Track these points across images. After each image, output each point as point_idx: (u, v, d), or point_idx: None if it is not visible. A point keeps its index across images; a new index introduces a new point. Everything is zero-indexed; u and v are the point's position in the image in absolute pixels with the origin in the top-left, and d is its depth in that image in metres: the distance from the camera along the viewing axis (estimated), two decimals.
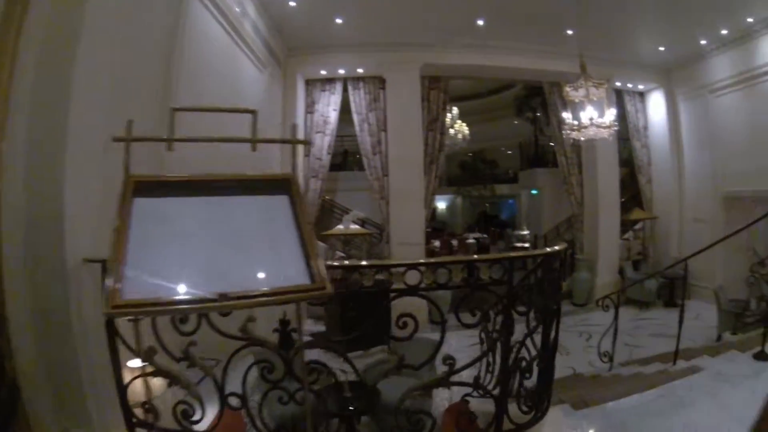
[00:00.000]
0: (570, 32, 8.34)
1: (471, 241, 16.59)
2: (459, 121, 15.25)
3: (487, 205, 27.23)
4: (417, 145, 9.12)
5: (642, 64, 10.42)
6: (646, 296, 9.57)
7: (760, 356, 3.92)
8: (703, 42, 9.31)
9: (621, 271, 10.45)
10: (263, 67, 7.52)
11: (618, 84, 10.65)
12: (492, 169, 24.02)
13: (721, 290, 7.40)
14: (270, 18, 7.51)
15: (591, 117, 6.80)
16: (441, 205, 27.03)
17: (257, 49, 7.15)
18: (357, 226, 8.69)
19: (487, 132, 21.85)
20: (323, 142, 9.35)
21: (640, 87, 11.19)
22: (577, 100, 7.02)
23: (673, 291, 9.78)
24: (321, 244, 9.80)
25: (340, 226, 8.53)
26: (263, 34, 7.41)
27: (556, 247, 2.75)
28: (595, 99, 6.89)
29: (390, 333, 7.45)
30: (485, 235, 21.39)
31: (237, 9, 6.24)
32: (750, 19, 8.21)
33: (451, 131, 14.88)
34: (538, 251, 2.60)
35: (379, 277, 2.63)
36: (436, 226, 23.29)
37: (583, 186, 10.68)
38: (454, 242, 18.84)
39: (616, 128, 7.14)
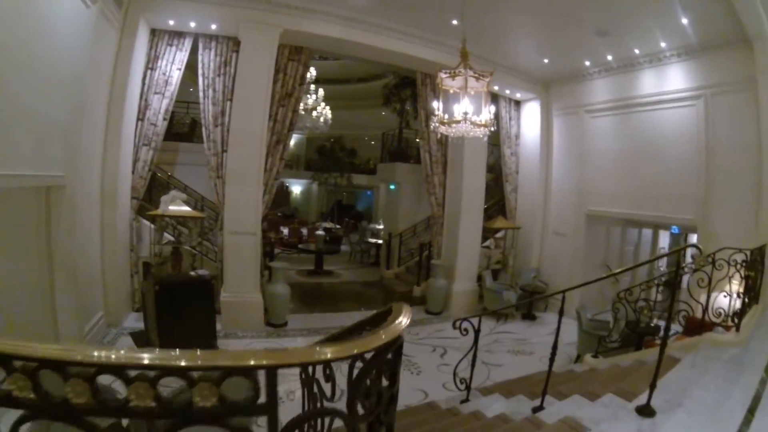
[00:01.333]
0: (455, 23, 7.52)
1: (320, 232, 15.52)
2: (323, 104, 14.32)
3: (344, 194, 26.46)
4: (262, 120, 7.76)
5: (523, 72, 10.14)
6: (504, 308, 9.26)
7: (644, 412, 3.34)
8: (587, 63, 9.28)
9: (479, 279, 10.04)
10: (91, 1, 5.62)
11: (496, 88, 10.22)
12: (351, 157, 23.21)
13: (582, 310, 7.15)
14: None
15: (466, 111, 5.82)
16: (296, 189, 25.78)
17: None
18: (186, 208, 7.07)
19: (351, 119, 21.10)
20: (161, 105, 7.70)
21: (518, 95, 10.94)
22: (452, 91, 6.07)
23: (531, 303, 9.57)
24: (147, 223, 8.05)
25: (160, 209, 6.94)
26: None
27: (386, 337, 1.58)
28: (473, 93, 5.96)
29: (215, 333, 5.98)
30: (338, 226, 20.62)
31: None
32: (637, 51, 8.28)
33: (314, 113, 13.99)
34: (365, 343, 1.37)
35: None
36: (286, 212, 22.04)
37: (446, 187, 10.07)
38: (304, 231, 17.71)
39: (492, 129, 6.32)
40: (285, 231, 17.72)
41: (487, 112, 6.04)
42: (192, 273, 6.34)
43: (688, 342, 5.14)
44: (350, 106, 20.61)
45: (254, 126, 7.68)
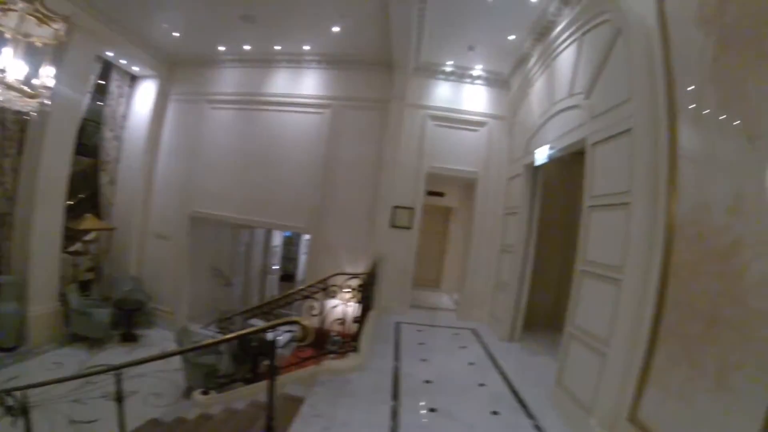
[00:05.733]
0: None
1: None
2: None
3: None
4: None
5: (147, 42, 8.53)
6: (96, 331, 7.20)
7: None
8: (222, 48, 8.60)
9: (63, 297, 7.58)
10: None
11: (110, 54, 8.45)
12: None
13: (184, 334, 5.87)
14: None
15: (3, 69, 3.75)
16: None
17: None
18: None
19: None
20: None
21: (135, 68, 9.15)
22: (8, 35, 3.83)
23: (131, 322, 7.92)
24: None
25: None
26: None
27: None
28: (40, 44, 3.99)
29: None
30: None
31: None
32: (279, 47, 8.05)
33: None
34: None
35: None
36: None
37: (21, 173, 7.26)
38: None
39: (46, 101, 4.16)
40: None
41: (45, 75, 4.11)
42: None
43: (306, 373, 4.55)
44: None
45: None
